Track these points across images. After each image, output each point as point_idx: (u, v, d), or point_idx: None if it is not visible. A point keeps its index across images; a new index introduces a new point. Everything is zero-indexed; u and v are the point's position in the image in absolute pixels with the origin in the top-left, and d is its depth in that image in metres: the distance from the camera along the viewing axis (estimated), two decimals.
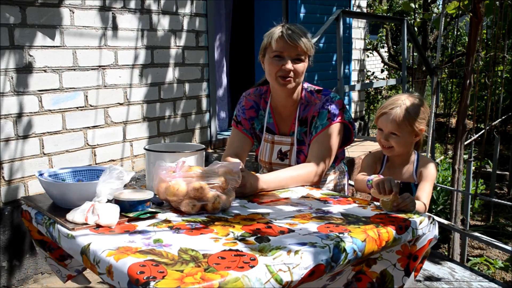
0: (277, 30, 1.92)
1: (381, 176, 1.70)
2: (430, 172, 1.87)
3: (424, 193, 1.79)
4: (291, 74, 1.91)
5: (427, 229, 1.47)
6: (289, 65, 1.89)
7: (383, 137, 1.88)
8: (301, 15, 5.16)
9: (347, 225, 1.38)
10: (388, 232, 1.36)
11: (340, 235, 1.30)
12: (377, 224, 1.39)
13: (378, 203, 1.62)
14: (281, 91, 1.98)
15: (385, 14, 7.99)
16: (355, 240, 1.28)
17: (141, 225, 1.41)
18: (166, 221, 1.44)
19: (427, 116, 1.90)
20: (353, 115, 6.37)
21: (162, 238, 1.29)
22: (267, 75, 2.00)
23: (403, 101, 1.87)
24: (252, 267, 1.09)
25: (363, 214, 1.51)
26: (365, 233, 1.32)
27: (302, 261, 1.15)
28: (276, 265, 1.12)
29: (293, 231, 1.34)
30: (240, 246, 1.23)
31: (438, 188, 4.22)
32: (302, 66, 1.93)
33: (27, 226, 1.70)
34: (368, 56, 8.56)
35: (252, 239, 1.28)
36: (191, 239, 1.28)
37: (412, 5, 5.12)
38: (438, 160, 4.92)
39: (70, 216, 1.42)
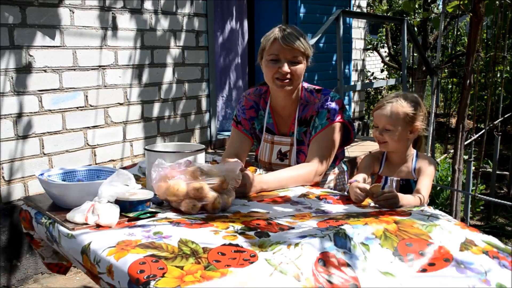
0: (272, 33, 1.92)
1: (358, 182, 1.72)
2: (429, 167, 1.89)
3: (422, 188, 1.81)
4: (288, 76, 1.91)
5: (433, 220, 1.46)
6: (286, 68, 1.89)
7: (378, 132, 1.91)
8: (301, 15, 5.16)
9: (346, 220, 1.38)
10: (390, 216, 1.37)
11: (339, 226, 1.29)
12: (377, 216, 1.39)
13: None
14: (280, 92, 1.98)
15: (385, 14, 7.99)
16: (354, 225, 1.27)
17: (141, 221, 1.41)
18: (166, 219, 1.44)
19: (424, 115, 1.92)
20: (353, 115, 6.37)
21: (162, 231, 1.29)
22: (265, 77, 2.01)
23: (397, 97, 1.91)
24: (252, 263, 1.09)
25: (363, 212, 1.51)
26: (365, 221, 1.33)
27: (303, 252, 1.14)
28: (276, 258, 1.11)
29: (292, 228, 1.34)
30: (240, 240, 1.23)
31: (438, 188, 4.22)
32: (299, 68, 1.92)
33: (26, 228, 1.70)
34: (368, 56, 8.56)
35: (252, 233, 1.28)
36: (191, 231, 1.29)
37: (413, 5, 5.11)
38: (438, 160, 4.92)
39: (70, 216, 1.42)
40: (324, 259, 1.14)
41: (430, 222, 1.34)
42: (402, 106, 1.87)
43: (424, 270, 1.17)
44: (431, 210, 1.48)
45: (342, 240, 1.21)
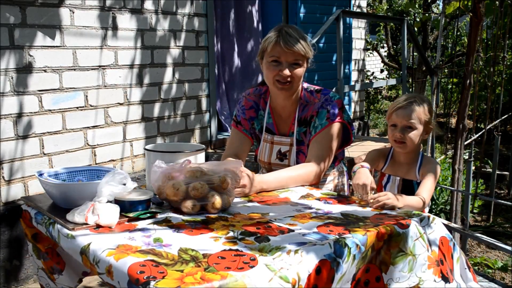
0: (274, 35, 1.90)
1: (365, 167, 1.78)
2: (433, 170, 1.89)
3: (424, 189, 1.81)
4: (289, 79, 1.91)
5: (427, 228, 1.48)
6: (287, 71, 1.89)
7: (399, 131, 1.91)
8: (301, 15, 5.16)
9: (347, 225, 1.38)
10: (389, 227, 1.37)
11: (340, 235, 1.30)
12: (377, 224, 1.39)
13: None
14: (280, 94, 1.98)
15: (385, 14, 7.99)
16: (355, 235, 1.29)
17: (141, 224, 1.41)
18: (166, 220, 1.44)
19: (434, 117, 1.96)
20: (352, 115, 6.37)
21: (162, 238, 1.29)
22: (265, 78, 2.00)
23: (416, 98, 1.94)
24: (252, 267, 1.09)
25: (363, 214, 1.51)
26: (365, 229, 1.33)
27: (303, 259, 1.15)
28: (276, 264, 1.11)
29: (292, 231, 1.34)
30: (240, 246, 1.23)
31: (438, 188, 4.22)
32: (300, 71, 1.92)
33: (24, 229, 1.70)
34: (368, 56, 8.55)
35: (251, 238, 1.28)
36: (191, 238, 1.29)
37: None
38: (438, 160, 4.92)
39: (70, 216, 1.42)
40: (321, 267, 1.16)
41: (410, 247, 1.39)
42: (423, 107, 1.90)
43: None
44: (428, 226, 1.48)
45: (342, 248, 1.23)
